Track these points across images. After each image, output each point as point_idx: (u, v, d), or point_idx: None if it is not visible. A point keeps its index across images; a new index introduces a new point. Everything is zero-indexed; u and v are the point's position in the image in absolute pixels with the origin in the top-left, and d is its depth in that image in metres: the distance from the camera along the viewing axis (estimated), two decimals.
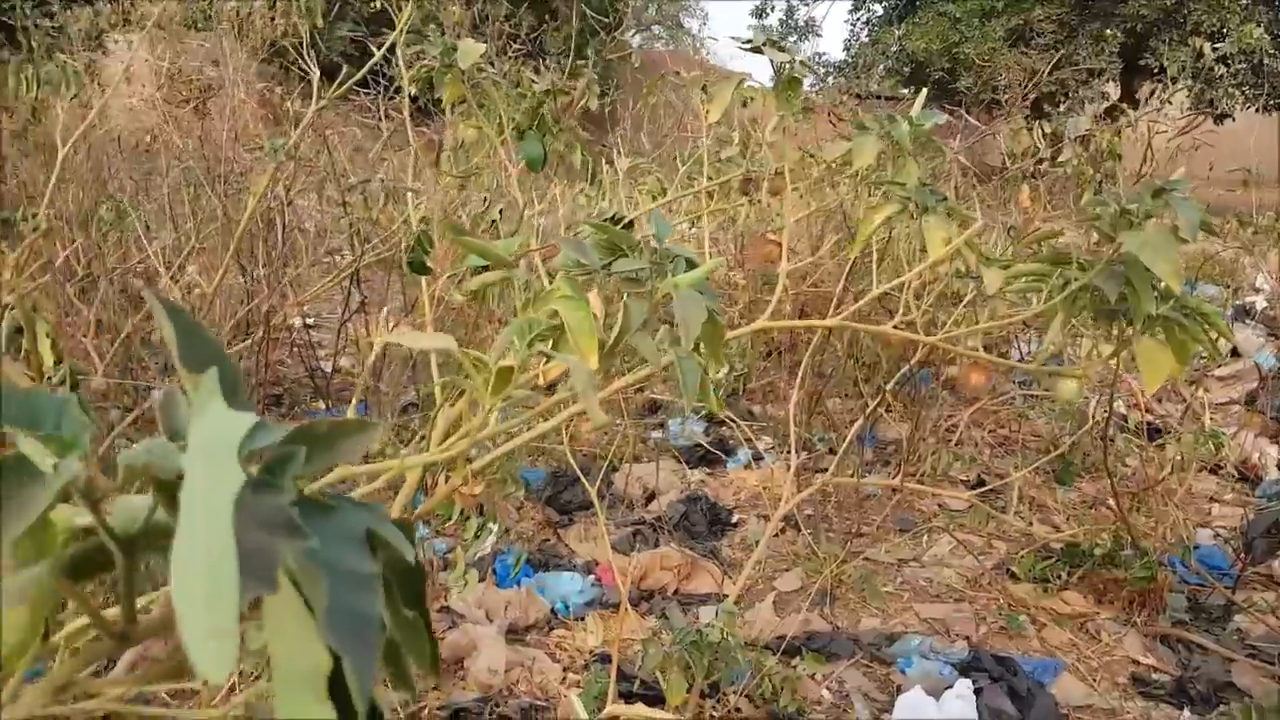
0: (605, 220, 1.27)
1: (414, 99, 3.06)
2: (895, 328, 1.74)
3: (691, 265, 1.19)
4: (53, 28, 4.09)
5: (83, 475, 0.36)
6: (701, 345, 1.19)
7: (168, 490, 0.42)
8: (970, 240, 1.79)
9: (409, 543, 0.43)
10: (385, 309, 2.92)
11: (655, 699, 2.68)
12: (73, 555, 0.41)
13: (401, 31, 2.07)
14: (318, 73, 2.14)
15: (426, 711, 2.57)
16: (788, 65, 1.85)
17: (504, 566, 3.33)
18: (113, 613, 0.45)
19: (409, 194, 2.39)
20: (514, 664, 2.89)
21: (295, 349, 4.65)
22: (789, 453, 4.10)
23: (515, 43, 5.11)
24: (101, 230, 3.35)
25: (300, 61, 4.00)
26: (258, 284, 3.56)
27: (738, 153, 2.48)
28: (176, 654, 0.48)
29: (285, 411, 4.53)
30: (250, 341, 3.12)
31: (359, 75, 2.17)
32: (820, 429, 4.21)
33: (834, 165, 2.60)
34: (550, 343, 1.02)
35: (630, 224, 1.31)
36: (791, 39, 23.21)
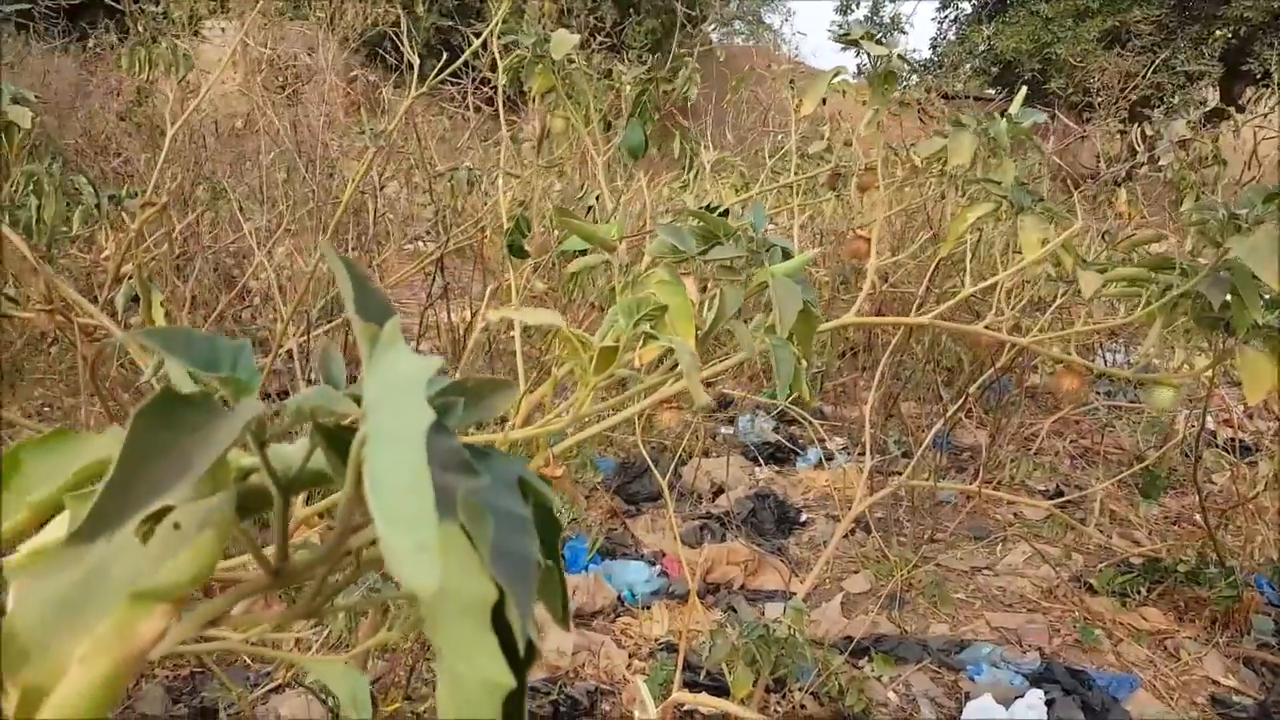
0: (701, 209, 1.28)
1: (493, 88, 3.11)
2: (987, 328, 1.72)
3: (787, 255, 1.20)
4: (158, 13, 4.25)
5: (261, 415, 0.38)
6: (794, 336, 1.19)
7: (327, 434, 0.45)
8: (1067, 242, 1.76)
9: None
10: (488, 292, 2.96)
11: (720, 690, 2.69)
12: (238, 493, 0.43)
13: (497, 23, 2.11)
14: (417, 60, 2.19)
15: None
16: (884, 59, 1.84)
17: (574, 552, 3.37)
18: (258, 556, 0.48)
19: (498, 181, 2.42)
20: (581, 648, 2.92)
21: None
22: (862, 454, 4.07)
23: (599, 36, 5.15)
24: (199, 210, 3.46)
25: (389, 51, 4.08)
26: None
27: (825, 148, 2.46)
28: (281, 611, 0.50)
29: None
30: (338, 322, 3.20)
31: (459, 62, 2.21)
32: (896, 432, 4.16)
33: (920, 164, 2.57)
34: (648, 327, 1.03)
35: (725, 213, 1.31)
36: (876, 37, 22.79)
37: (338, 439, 0.46)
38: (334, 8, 4.64)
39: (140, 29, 3.45)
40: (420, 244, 4.63)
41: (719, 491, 4.16)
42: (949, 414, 3.13)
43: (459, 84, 3.61)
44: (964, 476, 4.12)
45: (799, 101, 2.65)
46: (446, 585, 0.37)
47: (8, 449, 0.48)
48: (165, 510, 0.39)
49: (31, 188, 1.88)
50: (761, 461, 4.44)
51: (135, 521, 0.33)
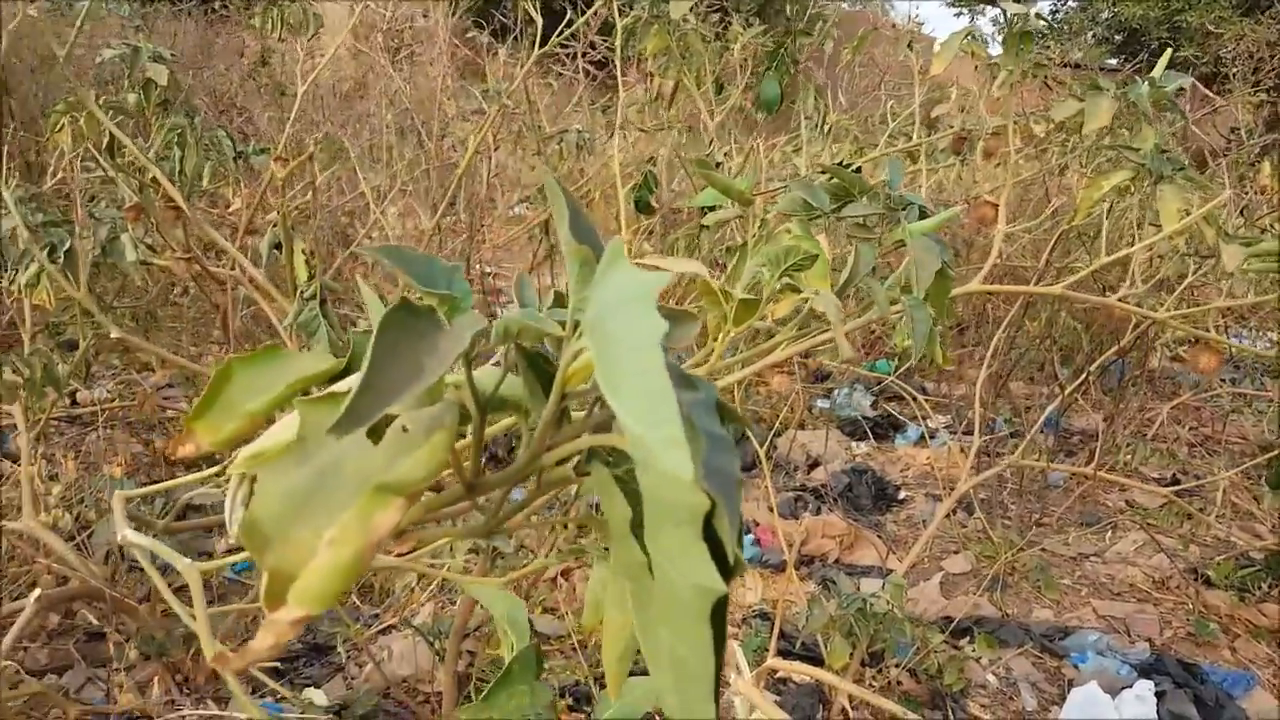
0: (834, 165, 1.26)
1: (600, 52, 3.09)
2: (1121, 301, 1.66)
3: (924, 214, 1.17)
4: None
5: (479, 331, 0.39)
6: (928, 296, 1.17)
7: (527, 356, 0.46)
8: (1209, 214, 1.68)
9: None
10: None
11: (814, 660, 2.68)
12: None
13: None
14: (540, 19, 2.21)
15: (593, 640, 2.66)
16: (1021, 18, 1.77)
17: None
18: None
19: (609, 143, 2.43)
20: None
21: (479, 294, 4.85)
22: (966, 432, 3.98)
23: None
24: (317, 169, 3.56)
25: (502, 12, 4.11)
26: (454, 229, 3.71)
27: (949, 110, 2.40)
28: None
29: None
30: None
31: (581, 21, 2.22)
32: (1006, 411, 4.06)
33: (1044, 132, 2.48)
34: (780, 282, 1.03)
35: (858, 170, 1.29)
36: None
37: (535, 361, 0.47)
38: None
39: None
40: (524, 208, 4.69)
41: (814, 465, 4.12)
42: (1067, 394, 3.03)
43: (568, 48, 3.62)
44: (1074, 460, 4.00)
45: (920, 63, 2.58)
46: (661, 495, 0.38)
47: (221, 363, 0.51)
48: (388, 418, 0.41)
49: (176, 140, 1.97)
50: (863, 436, 4.39)
51: (378, 418, 0.35)
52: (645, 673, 0.57)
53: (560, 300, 0.54)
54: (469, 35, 4.29)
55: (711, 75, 2.57)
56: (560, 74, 4.55)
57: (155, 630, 2.18)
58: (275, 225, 1.51)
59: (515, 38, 3.87)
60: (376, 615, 2.63)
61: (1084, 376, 2.95)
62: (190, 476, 0.94)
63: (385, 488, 0.36)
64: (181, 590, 2.30)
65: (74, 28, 2.32)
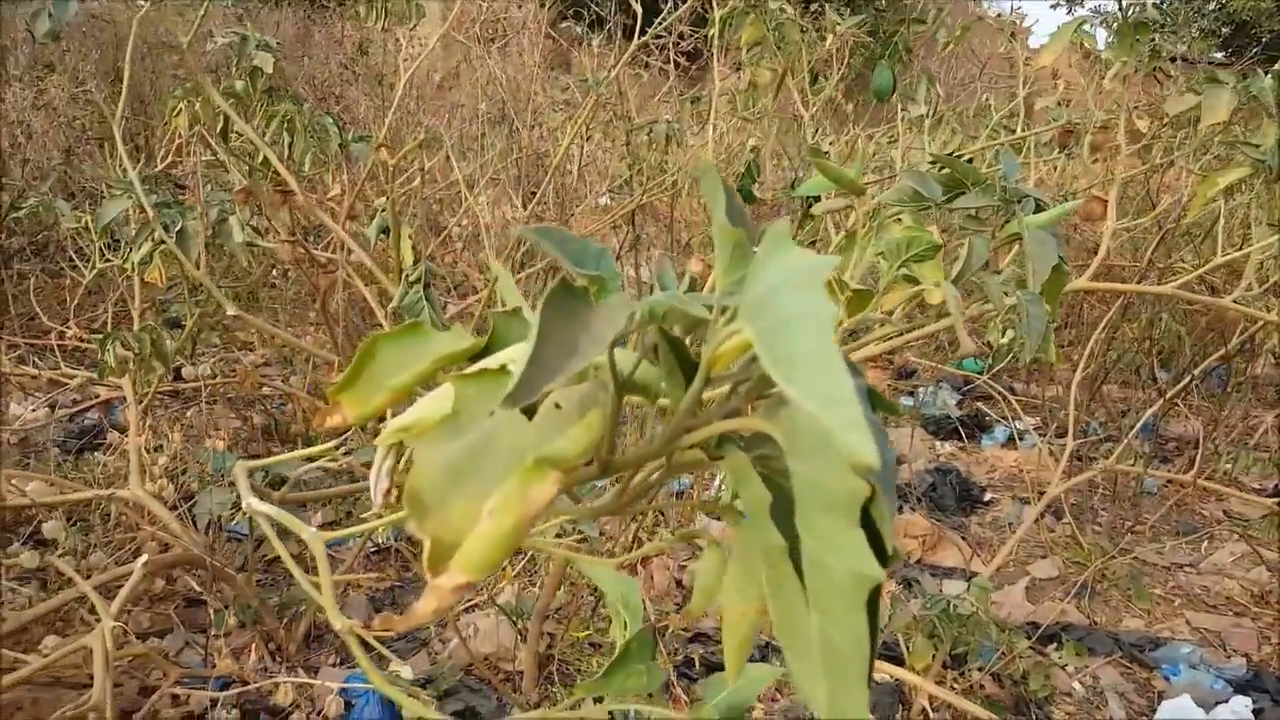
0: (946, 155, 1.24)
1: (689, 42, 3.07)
2: (1235, 303, 1.59)
3: (1039, 208, 1.14)
4: None
5: (637, 311, 0.40)
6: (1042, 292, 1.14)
7: (670, 339, 0.46)
8: None
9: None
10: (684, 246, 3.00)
11: (895, 660, 2.65)
12: None
13: None
14: (640, 8, 2.21)
15: (670, 630, 2.67)
16: (1137, 7, 1.71)
17: None
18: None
19: (700, 133, 2.42)
20: None
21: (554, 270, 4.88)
22: (1056, 434, 3.88)
23: None
24: (409, 156, 3.62)
25: (594, 6, 4.12)
26: (540, 218, 3.74)
27: (1053, 104, 2.33)
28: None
29: None
30: (538, 268, 3.31)
31: (676, 15, 2.22)
32: (1100, 414, 3.94)
33: (1150, 127, 2.39)
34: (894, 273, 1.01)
35: (970, 161, 1.27)
36: None
37: (676, 345, 0.47)
38: None
39: None
40: (610, 198, 4.72)
41: (898, 462, 4.06)
42: (1168, 398, 2.93)
43: (659, 39, 3.62)
44: (1170, 467, 3.86)
45: (1025, 55, 2.51)
46: (818, 479, 0.38)
47: (367, 339, 0.53)
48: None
49: (286, 126, 2.03)
50: (948, 435, 4.30)
51: (543, 393, 0.35)
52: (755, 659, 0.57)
53: (693, 285, 0.54)
54: (563, 25, 4.32)
55: (807, 66, 2.54)
56: (649, 64, 4.55)
57: (250, 599, 2.26)
58: (383, 210, 1.55)
59: (608, 30, 3.89)
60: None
61: (1186, 381, 2.84)
62: (301, 452, 0.97)
63: (544, 461, 0.37)
64: (275, 562, 2.38)
65: (184, 17, 2.41)
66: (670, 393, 0.47)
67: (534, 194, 3.90)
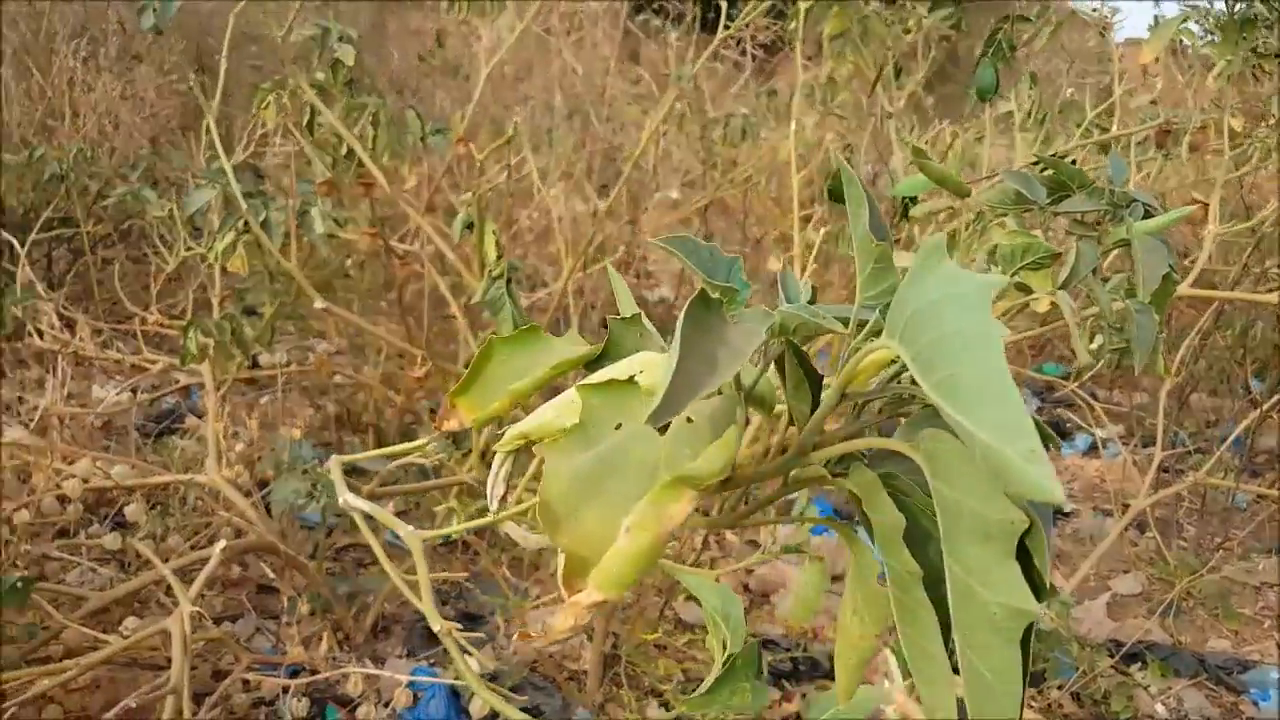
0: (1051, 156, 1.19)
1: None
2: None
3: (1149, 213, 1.09)
4: None
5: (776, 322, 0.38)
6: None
7: (798, 352, 0.44)
8: None
9: None
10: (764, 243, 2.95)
11: None
12: None
13: None
14: (725, 3, 2.18)
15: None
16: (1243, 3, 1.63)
17: (823, 507, 3.32)
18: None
19: (780, 127, 2.39)
20: (824, 610, 2.90)
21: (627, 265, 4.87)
22: (1141, 444, 3.74)
23: None
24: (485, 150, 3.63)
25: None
26: (610, 213, 3.73)
27: (1149, 101, 2.25)
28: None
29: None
30: (602, 264, 3.31)
31: (763, 6, 2.19)
32: (1190, 424, 3.80)
33: (1242, 126, 2.29)
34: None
35: (1074, 162, 1.21)
36: None
37: (804, 358, 0.45)
38: None
39: None
40: (677, 192, 4.70)
41: None
42: (1263, 410, 2.81)
43: (738, 33, 3.59)
44: (1261, 481, 3.71)
45: (1120, 51, 2.42)
46: (970, 508, 0.35)
47: (482, 342, 0.51)
48: None
49: (371, 119, 2.05)
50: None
51: (680, 410, 0.33)
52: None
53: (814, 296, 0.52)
54: (642, 17, 4.30)
55: (892, 60, 2.48)
56: (723, 56, 4.51)
57: (321, 587, 2.29)
58: (468, 206, 1.56)
59: (685, 23, 3.86)
60: (525, 589, 2.68)
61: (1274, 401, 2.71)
62: (397, 448, 0.97)
63: (682, 480, 0.35)
64: (344, 550, 2.39)
65: (271, 8, 2.44)
66: (794, 407, 0.44)
67: (605, 187, 3.90)
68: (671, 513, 0.35)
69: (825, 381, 0.47)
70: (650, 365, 0.43)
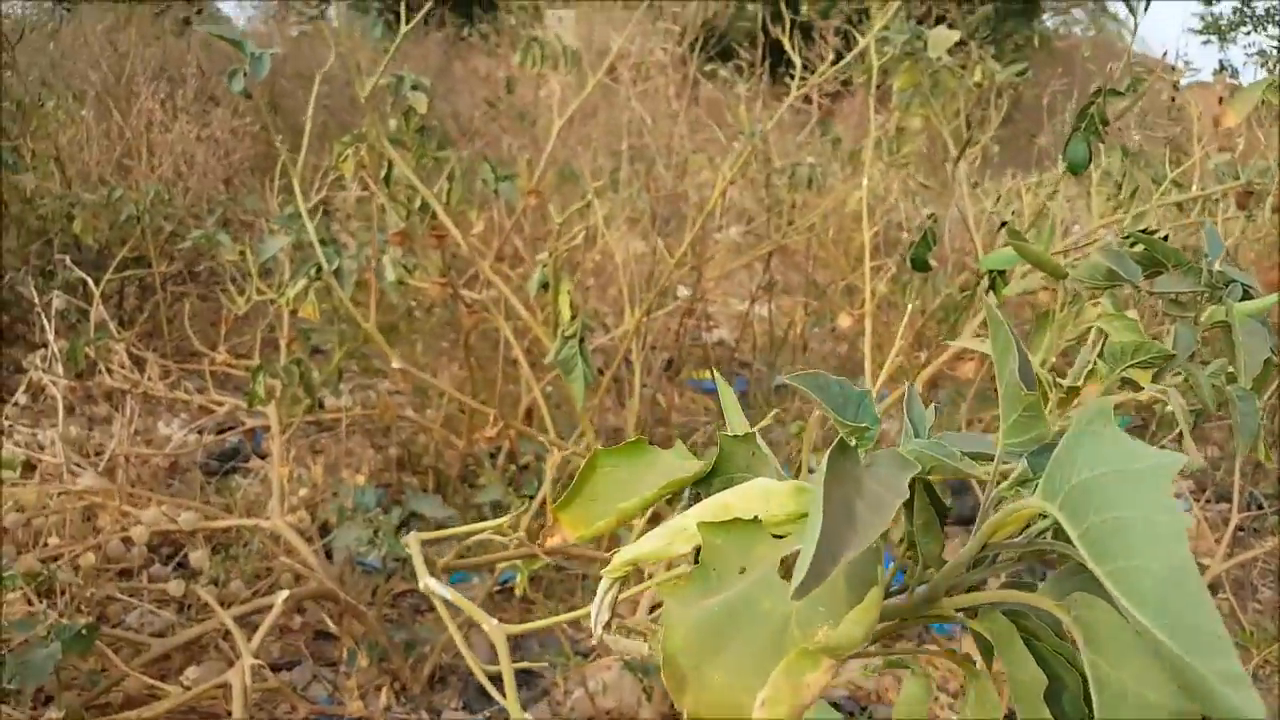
0: (1142, 232, 1.16)
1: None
2: None
3: (1248, 294, 1.05)
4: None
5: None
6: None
7: (929, 491, 0.42)
8: None
9: None
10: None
11: None
12: None
13: (884, 24, 2.06)
14: (798, 60, 2.18)
15: None
16: None
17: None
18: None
19: (846, 175, 2.36)
20: (887, 671, 2.82)
21: (685, 318, 4.86)
22: (1213, 499, 3.61)
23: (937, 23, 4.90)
24: (548, 196, 3.67)
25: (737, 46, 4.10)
26: (668, 255, 3.73)
27: (1230, 160, 2.19)
28: None
29: (671, 376, 4.75)
30: (666, 310, 3.30)
31: (844, 61, 2.18)
32: (1266, 485, 3.66)
33: None
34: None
35: (1166, 238, 1.18)
36: (1245, 29, 20.20)
37: (937, 498, 0.43)
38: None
39: (514, 21, 3.75)
40: (737, 234, 4.69)
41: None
42: None
43: (802, 78, 3.59)
44: None
45: (1199, 109, 2.37)
46: (1129, 687, 0.33)
47: (589, 455, 0.50)
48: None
49: (447, 174, 2.07)
50: None
51: (826, 578, 0.32)
52: None
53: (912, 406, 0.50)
54: (710, 68, 4.32)
55: (963, 114, 2.46)
56: (793, 106, 4.51)
57: (379, 636, 2.28)
58: (544, 266, 1.57)
59: (753, 72, 3.87)
60: (583, 647, 2.65)
61: None
62: (474, 527, 0.96)
63: (821, 649, 0.33)
64: (400, 597, 2.38)
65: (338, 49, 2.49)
66: (925, 547, 0.42)
67: (669, 224, 3.91)
68: (809, 683, 0.33)
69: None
70: (771, 496, 0.41)
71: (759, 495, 0.43)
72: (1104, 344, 0.84)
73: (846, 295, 3.33)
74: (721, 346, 4.95)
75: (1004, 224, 1.59)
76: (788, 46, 2.23)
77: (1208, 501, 3.71)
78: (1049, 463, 0.33)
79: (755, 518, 0.39)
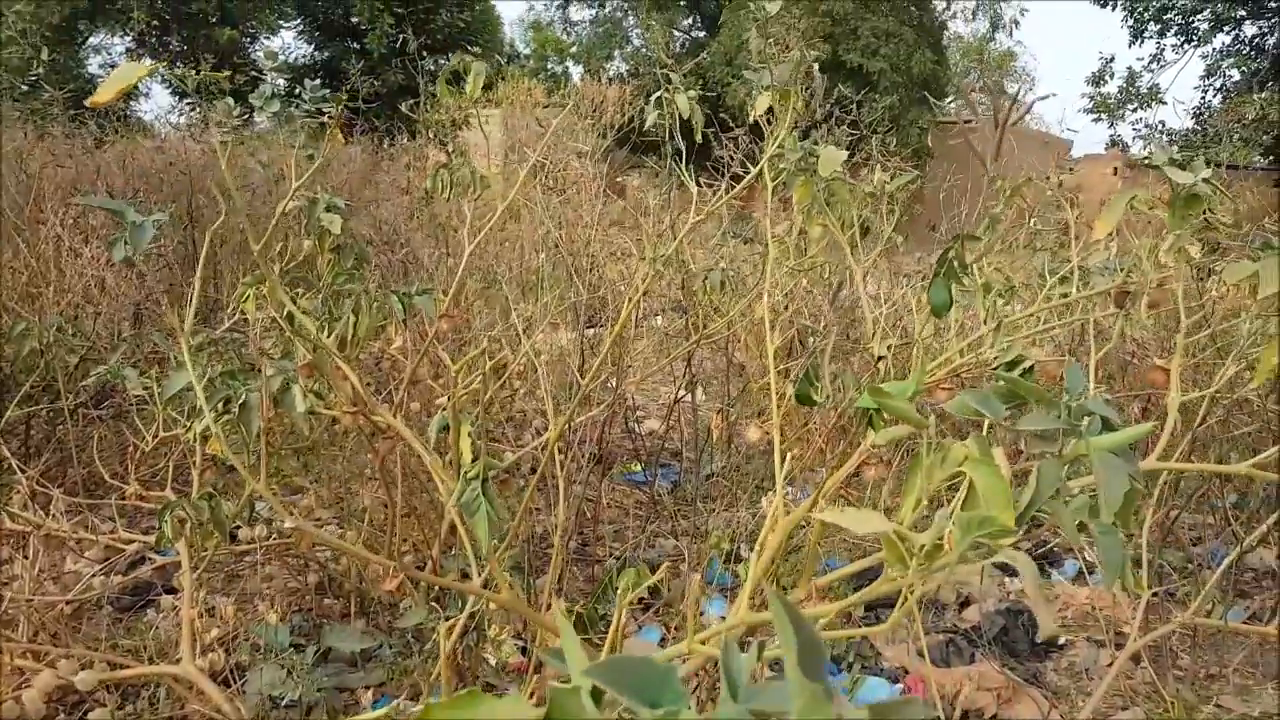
0: (1007, 365, 1.22)
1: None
2: None
3: (1108, 425, 1.11)
4: (437, 119, 4.65)
5: None
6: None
7: None
8: None
9: None
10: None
11: None
12: None
13: (777, 142, 2.16)
14: (698, 139, 2.26)
15: None
16: (1187, 185, 1.70)
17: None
18: None
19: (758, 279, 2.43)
20: None
21: (614, 413, 4.89)
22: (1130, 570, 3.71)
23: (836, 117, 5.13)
24: (469, 302, 3.69)
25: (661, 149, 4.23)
26: (591, 358, 3.77)
27: (1107, 259, 2.31)
28: None
29: (604, 469, 4.75)
30: (599, 409, 3.32)
31: (752, 176, 2.28)
32: (1174, 555, 3.79)
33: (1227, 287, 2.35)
34: (960, 502, 0.99)
35: (1030, 370, 1.25)
36: (1131, 107, 21.51)
37: None
38: (596, 104, 4.92)
39: (430, 134, 3.81)
40: (662, 319, 4.74)
41: (966, 603, 3.91)
42: (1241, 548, 2.80)
43: (713, 181, 3.71)
44: (1249, 602, 3.67)
45: (1077, 213, 2.50)
46: None
47: (421, 712, 0.51)
48: None
49: (353, 306, 2.08)
50: (1012, 573, 4.15)
51: None
52: None
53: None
54: (630, 173, 4.44)
55: (858, 221, 2.57)
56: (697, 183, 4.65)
57: None
58: (444, 410, 1.58)
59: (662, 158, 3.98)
60: None
61: (1266, 527, 2.72)
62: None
63: None
64: None
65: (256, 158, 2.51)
66: None
67: (591, 322, 3.95)
68: None
69: None
70: None
71: None
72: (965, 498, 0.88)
73: (762, 397, 3.39)
74: (653, 436, 4.97)
75: (880, 358, 1.65)
76: (709, 141, 2.31)
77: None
78: None
79: None
